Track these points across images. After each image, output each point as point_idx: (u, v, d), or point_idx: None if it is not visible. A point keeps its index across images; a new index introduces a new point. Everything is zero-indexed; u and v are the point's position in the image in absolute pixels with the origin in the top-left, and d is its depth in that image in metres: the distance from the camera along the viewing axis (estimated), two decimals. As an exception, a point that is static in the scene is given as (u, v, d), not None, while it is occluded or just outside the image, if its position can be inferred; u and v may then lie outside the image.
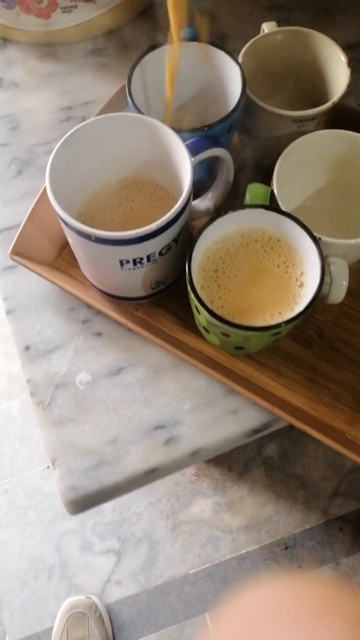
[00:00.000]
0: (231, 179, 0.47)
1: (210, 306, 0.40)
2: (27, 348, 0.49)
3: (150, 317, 0.49)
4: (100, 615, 1.07)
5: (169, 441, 0.46)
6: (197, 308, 0.39)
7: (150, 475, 0.45)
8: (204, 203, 0.49)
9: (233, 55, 0.45)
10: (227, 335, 0.39)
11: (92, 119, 0.41)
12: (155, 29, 0.60)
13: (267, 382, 0.46)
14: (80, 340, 0.49)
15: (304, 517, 1.19)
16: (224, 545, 1.16)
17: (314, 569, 1.15)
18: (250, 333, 0.37)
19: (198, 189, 0.50)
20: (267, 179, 0.53)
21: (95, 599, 1.09)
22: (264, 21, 0.62)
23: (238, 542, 1.16)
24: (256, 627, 0.22)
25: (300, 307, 0.39)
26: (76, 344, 0.49)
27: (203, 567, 1.14)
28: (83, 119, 0.57)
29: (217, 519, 1.18)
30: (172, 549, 1.15)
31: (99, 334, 0.49)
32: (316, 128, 0.47)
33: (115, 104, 0.53)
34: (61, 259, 0.51)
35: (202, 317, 0.39)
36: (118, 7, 0.57)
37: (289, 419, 0.43)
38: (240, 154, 0.54)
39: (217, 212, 0.52)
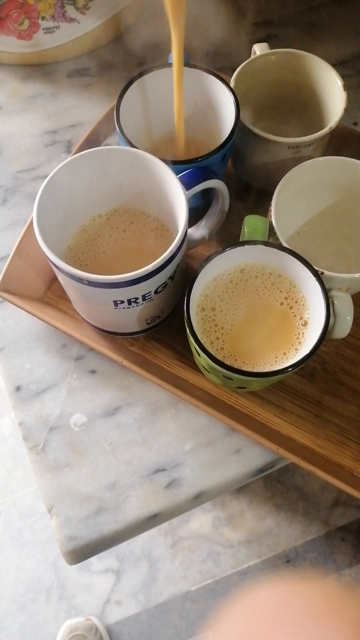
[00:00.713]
0: (227, 207, 0.45)
1: (210, 348, 0.38)
2: (18, 389, 0.46)
3: (146, 352, 0.46)
4: (101, 637, 1.05)
5: (170, 485, 0.43)
6: (196, 350, 0.37)
7: (151, 521, 0.43)
8: (198, 231, 0.47)
9: (226, 81, 0.43)
10: (229, 378, 0.37)
11: (80, 153, 0.39)
12: (139, 47, 0.58)
13: (271, 419, 0.44)
14: (73, 379, 0.47)
15: (304, 528, 1.18)
16: (224, 561, 1.14)
17: (306, 578, 1.13)
18: (254, 379, 0.35)
19: (192, 216, 0.48)
20: (263, 204, 0.51)
21: (95, 620, 1.07)
22: (252, 37, 0.60)
23: (239, 557, 1.15)
24: (257, 629, 0.22)
25: (305, 348, 0.37)
26: (69, 383, 0.46)
27: (204, 583, 1.12)
28: (69, 142, 0.55)
29: (217, 534, 1.16)
30: (172, 566, 1.13)
31: (93, 372, 0.47)
32: (313, 153, 0.45)
33: (103, 127, 0.51)
34: (51, 293, 0.48)
35: (202, 359, 0.37)
36: (101, 26, 0.55)
37: (296, 460, 0.41)
38: (234, 179, 0.52)
39: (214, 242, 0.50)
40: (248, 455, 0.44)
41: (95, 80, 0.58)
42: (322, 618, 0.21)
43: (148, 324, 0.45)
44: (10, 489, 1.19)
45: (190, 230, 0.47)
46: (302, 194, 0.45)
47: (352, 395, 0.45)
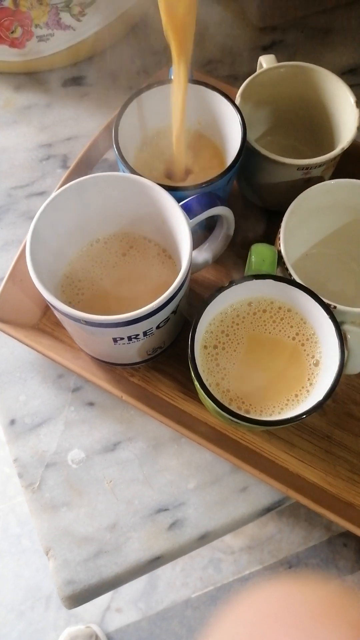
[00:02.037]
0: (232, 232, 0.42)
1: (215, 390, 0.36)
2: (12, 422, 0.44)
3: (147, 383, 0.44)
4: (101, 644, 1.04)
5: (173, 525, 0.41)
6: (201, 394, 0.34)
7: (154, 563, 0.41)
8: (202, 255, 0.44)
9: (232, 99, 0.40)
10: (236, 423, 0.35)
11: (75, 181, 0.36)
12: (137, 54, 0.55)
13: (278, 455, 0.42)
14: (70, 412, 0.44)
15: (306, 534, 1.16)
16: (226, 567, 1.13)
17: (305, 579, 1.12)
18: (264, 428, 0.33)
19: (195, 238, 0.46)
20: (270, 225, 0.49)
21: (95, 627, 1.06)
22: (257, 43, 0.57)
23: (240, 563, 1.13)
24: (256, 631, 0.22)
25: (317, 389, 0.35)
26: (66, 416, 0.44)
27: (205, 590, 1.11)
28: (65, 157, 0.52)
29: (218, 540, 1.14)
30: (173, 573, 1.12)
31: (91, 404, 0.45)
32: (323, 173, 0.43)
33: (101, 141, 0.49)
34: (46, 319, 0.46)
35: (208, 403, 0.35)
36: (98, 33, 0.52)
37: (306, 502, 0.39)
38: (239, 197, 0.50)
39: (218, 265, 0.48)
40: (255, 493, 0.42)
41: (92, 90, 0.55)
42: (322, 619, 0.21)
43: (149, 354, 0.42)
44: (8, 495, 1.17)
45: (193, 254, 0.44)
46: (312, 216, 0.43)
47: (364, 429, 0.43)
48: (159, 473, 0.43)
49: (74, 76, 0.56)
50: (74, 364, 0.43)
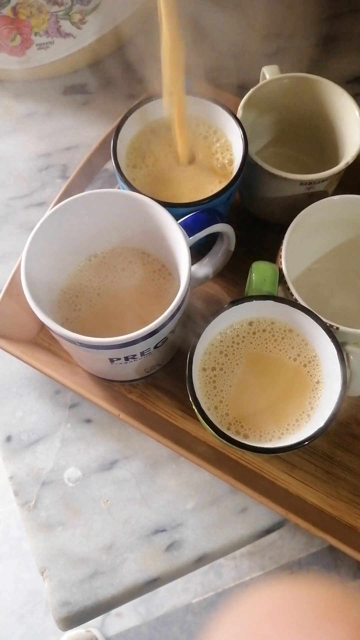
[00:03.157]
0: (232, 247, 0.42)
1: (213, 414, 0.35)
2: (8, 439, 0.43)
3: (145, 400, 0.43)
4: (101, 649, 1.04)
5: (170, 547, 0.41)
6: (200, 419, 0.34)
7: (150, 585, 0.40)
8: (202, 270, 0.43)
9: (233, 112, 0.39)
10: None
11: (73, 198, 0.35)
12: (138, 62, 0.54)
13: (278, 476, 0.41)
14: (67, 429, 0.44)
15: (308, 540, 1.15)
16: (226, 573, 1.12)
17: (305, 580, 1.11)
18: (264, 456, 0.32)
19: (195, 252, 0.45)
20: (272, 239, 0.48)
21: (95, 632, 1.06)
22: (261, 51, 0.56)
23: (241, 569, 1.13)
24: (258, 630, 0.21)
25: (317, 414, 0.34)
26: (63, 433, 0.43)
27: (206, 595, 1.10)
28: (64, 166, 0.51)
29: (219, 545, 1.14)
30: (174, 578, 1.11)
31: (88, 421, 0.44)
32: (327, 187, 0.42)
33: (102, 152, 0.48)
34: (44, 334, 0.45)
35: (206, 429, 0.34)
36: (99, 40, 0.51)
37: (306, 526, 0.38)
38: (241, 210, 0.49)
39: (219, 279, 0.47)
40: (254, 515, 0.41)
41: (92, 98, 0.54)
42: (323, 620, 0.21)
43: (147, 372, 0.42)
44: (8, 498, 1.17)
45: (193, 268, 0.43)
46: (315, 231, 0.42)
47: (366, 449, 0.42)
48: (157, 493, 0.42)
49: (74, 84, 0.55)
50: (70, 381, 0.42)
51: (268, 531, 0.41)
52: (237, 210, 0.49)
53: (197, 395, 0.33)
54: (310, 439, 0.32)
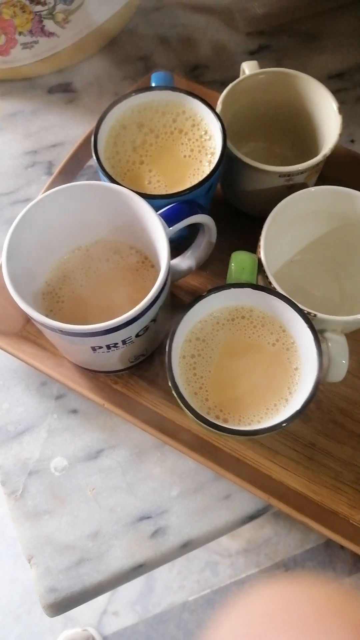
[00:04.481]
0: (214, 239, 0.42)
1: (193, 400, 0.36)
2: (-4, 430, 0.44)
3: (130, 390, 0.44)
4: (98, 647, 1.04)
5: (155, 533, 0.41)
6: (180, 404, 0.34)
7: (136, 571, 0.41)
8: (185, 262, 0.44)
9: (212, 107, 0.40)
10: (215, 432, 0.35)
11: (53, 190, 0.36)
12: (123, 60, 0.55)
13: (262, 463, 0.42)
14: (54, 420, 0.44)
15: (303, 537, 1.16)
16: (222, 570, 1.13)
17: (305, 579, 1.12)
18: (242, 438, 0.33)
19: (179, 244, 0.46)
20: (254, 231, 0.48)
21: (92, 631, 1.06)
22: (244, 48, 0.57)
23: (237, 566, 1.13)
24: (258, 630, 0.21)
25: (295, 399, 0.34)
26: (49, 424, 0.44)
27: (202, 593, 1.11)
28: (50, 163, 0.52)
29: (215, 543, 1.15)
30: (170, 576, 1.11)
31: (74, 412, 0.44)
32: (306, 179, 0.43)
33: (87, 148, 0.48)
34: (30, 327, 0.46)
35: (187, 413, 0.34)
36: (83, 39, 0.52)
37: (288, 510, 0.39)
38: (224, 204, 0.49)
39: (203, 272, 0.48)
40: (238, 501, 0.42)
41: (77, 96, 0.55)
42: (323, 620, 0.21)
43: (131, 362, 0.42)
44: (3, 498, 1.17)
45: (176, 261, 0.44)
46: (296, 222, 0.43)
47: (348, 436, 0.43)
48: (142, 481, 0.43)
49: (59, 83, 0.55)
50: (56, 372, 0.43)
51: (252, 517, 0.42)
52: (220, 204, 0.50)
53: (177, 382, 0.34)
54: (287, 421, 0.33)
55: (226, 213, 0.49)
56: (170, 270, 0.43)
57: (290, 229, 0.43)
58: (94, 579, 0.40)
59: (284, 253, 0.46)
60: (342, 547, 1.14)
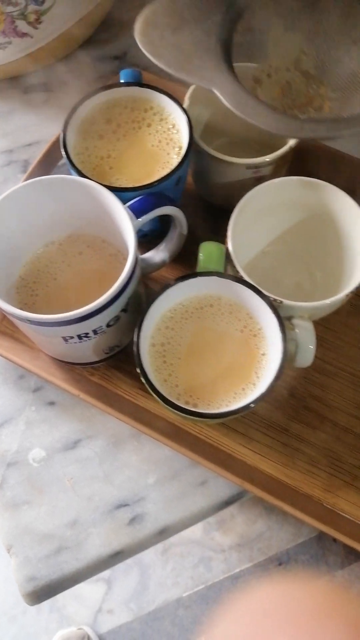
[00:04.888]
0: (185, 231, 0.43)
1: (163, 386, 0.36)
2: (-25, 423, 0.45)
3: (107, 381, 0.45)
4: (93, 646, 1.04)
5: (133, 520, 0.42)
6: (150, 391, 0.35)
7: (114, 558, 0.42)
8: (158, 255, 0.45)
9: (179, 101, 0.41)
10: (184, 417, 0.35)
11: (21, 184, 0.37)
12: (97, 59, 0.56)
13: (236, 449, 0.43)
14: (31, 412, 0.45)
15: (296, 531, 1.17)
16: (216, 565, 1.13)
17: (304, 578, 1.12)
18: (210, 420, 0.34)
19: (152, 238, 0.47)
20: (227, 224, 0.49)
21: (87, 629, 1.06)
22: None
23: (231, 561, 1.14)
24: (257, 629, 0.22)
25: (263, 383, 0.35)
26: (27, 416, 0.45)
27: (196, 589, 1.11)
28: (26, 162, 0.53)
29: (208, 539, 1.15)
30: (164, 573, 1.12)
31: (52, 403, 0.45)
32: (274, 171, 0.44)
33: (58, 148, 0.49)
34: (7, 322, 0.46)
35: (156, 399, 0.35)
36: (57, 39, 0.53)
37: (261, 494, 0.40)
38: (197, 198, 0.50)
39: (178, 265, 0.48)
40: (214, 487, 0.43)
41: (53, 96, 0.56)
42: (321, 618, 0.21)
43: (106, 353, 0.43)
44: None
45: (150, 254, 0.45)
46: (265, 214, 0.44)
47: (321, 421, 0.44)
48: (119, 469, 0.43)
49: (35, 83, 0.56)
50: (33, 365, 0.43)
51: (227, 502, 0.43)
52: (193, 198, 0.51)
53: (146, 369, 0.35)
54: (254, 402, 0.33)
55: (199, 207, 0.50)
56: (141, 262, 0.44)
57: (260, 221, 0.44)
58: (73, 567, 0.41)
59: (255, 244, 0.47)
60: (334, 540, 1.15)
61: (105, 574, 1.11)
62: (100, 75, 0.57)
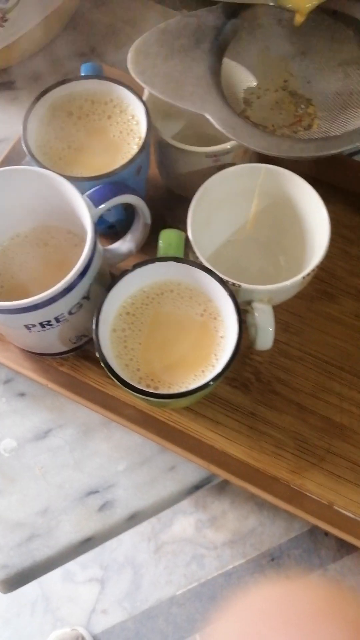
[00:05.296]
0: (149, 220, 0.44)
1: (124, 371, 0.37)
2: None
3: (77, 371, 0.45)
4: (88, 646, 1.04)
5: (103, 507, 0.43)
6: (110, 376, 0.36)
7: (85, 545, 0.42)
8: (125, 245, 0.46)
9: (137, 93, 0.42)
10: (145, 399, 0.36)
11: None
12: (65, 57, 0.57)
13: (204, 434, 0.43)
14: (2, 403, 0.45)
15: (288, 525, 1.17)
16: (209, 563, 1.13)
17: (303, 578, 1.13)
18: (168, 401, 0.34)
19: (118, 230, 0.47)
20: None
21: (81, 630, 1.06)
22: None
23: (223, 558, 1.14)
24: (257, 629, 0.22)
25: (221, 365, 0.36)
26: (-1, 408, 0.45)
27: (189, 587, 1.11)
28: (-5, 159, 0.54)
29: (200, 536, 1.15)
30: (157, 571, 1.12)
31: (22, 395, 0.46)
32: (235, 160, 0.44)
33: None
34: (-21, 316, 0.47)
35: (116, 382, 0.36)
36: (24, 37, 0.54)
37: (227, 476, 0.41)
38: (165, 189, 0.51)
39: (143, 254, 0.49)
40: (183, 472, 0.43)
41: (21, 93, 0.57)
42: (321, 618, 0.21)
43: (74, 343, 0.44)
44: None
45: (116, 245, 0.46)
46: (227, 203, 0.44)
47: (287, 404, 0.44)
48: (89, 457, 0.44)
49: (3, 81, 0.57)
50: (2, 357, 0.44)
51: (197, 487, 0.43)
52: (159, 189, 0.51)
53: (107, 355, 0.35)
54: (212, 380, 0.34)
55: (167, 198, 0.51)
56: (108, 253, 0.45)
57: (224, 210, 0.45)
58: (44, 554, 0.42)
59: (220, 234, 0.47)
60: (326, 534, 1.16)
61: (99, 574, 1.11)
62: (68, 72, 0.57)
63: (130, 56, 0.40)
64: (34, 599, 1.10)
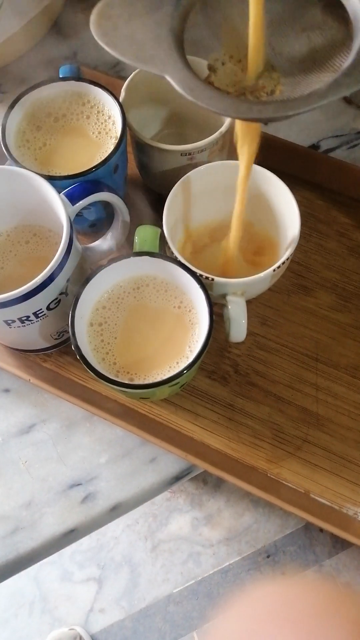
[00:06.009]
0: (127, 217, 0.45)
1: (102, 365, 0.38)
2: None
3: (60, 367, 0.46)
4: (86, 645, 1.05)
5: (86, 499, 0.44)
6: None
7: (68, 536, 0.43)
8: (105, 243, 0.47)
9: (113, 93, 0.43)
10: (123, 391, 0.37)
11: None
12: (50, 60, 0.58)
13: (184, 425, 0.44)
14: (-13, 399, 0.47)
15: (283, 522, 1.18)
16: (205, 560, 1.14)
17: (298, 574, 1.13)
18: (141, 392, 0.35)
19: (99, 227, 0.48)
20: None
21: (79, 629, 1.07)
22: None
23: (219, 556, 1.15)
24: (257, 628, 0.22)
25: (194, 355, 0.37)
26: (-16, 404, 0.46)
27: (186, 584, 1.12)
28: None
29: (197, 534, 1.16)
30: (154, 570, 1.13)
31: (6, 391, 0.47)
32: (210, 158, 0.45)
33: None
34: (-36, 314, 0.48)
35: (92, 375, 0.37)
36: (9, 41, 0.55)
37: (205, 466, 0.41)
38: (145, 188, 0.52)
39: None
40: (163, 463, 0.44)
41: (6, 97, 0.58)
42: (322, 617, 0.21)
43: (56, 339, 0.45)
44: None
45: (97, 243, 0.47)
46: (204, 200, 0.45)
47: (264, 396, 0.45)
48: (72, 451, 0.45)
49: (-12, 84, 0.58)
50: (-16, 353, 0.45)
51: (177, 478, 0.44)
52: (140, 188, 0.52)
53: (84, 349, 0.36)
54: (186, 369, 0.35)
55: (147, 197, 0.52)
56: (88, 251, 0.46)
57: (204, 207, 0.46)
58: (28, 546, 0.43)
59: (204, 232, 0.48)
60: (320, 530, 1.16)
61: (96, 573, 1.12)
62: (53, 75, 0.59)
63: (92, 18, 0.40)
64: (32, 599, 1.10)
